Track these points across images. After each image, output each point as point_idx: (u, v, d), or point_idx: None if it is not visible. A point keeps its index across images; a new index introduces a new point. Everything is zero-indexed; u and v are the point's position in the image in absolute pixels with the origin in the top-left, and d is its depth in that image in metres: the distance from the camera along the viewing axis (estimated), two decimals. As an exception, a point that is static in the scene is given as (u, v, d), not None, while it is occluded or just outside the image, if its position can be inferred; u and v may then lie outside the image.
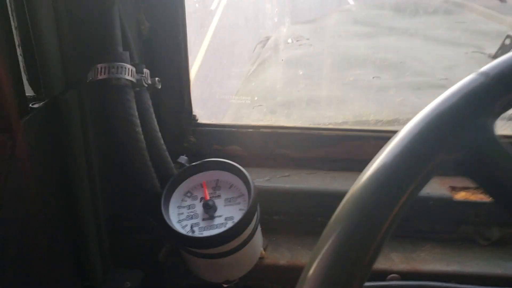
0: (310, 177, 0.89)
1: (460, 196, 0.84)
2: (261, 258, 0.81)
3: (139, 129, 0.66)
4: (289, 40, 2.39)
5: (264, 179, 0.88)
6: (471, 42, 2.49)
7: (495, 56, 2.15)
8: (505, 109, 0.39)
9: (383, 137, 0.88)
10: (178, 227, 0.68)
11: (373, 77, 1.78)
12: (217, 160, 0.73)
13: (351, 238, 0.35)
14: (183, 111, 0.87)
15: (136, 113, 0.66)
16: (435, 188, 0.85)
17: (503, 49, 2.02)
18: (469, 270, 0.79)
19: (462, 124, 0.37)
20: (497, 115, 0.39)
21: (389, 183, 0.37)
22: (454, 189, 0.86)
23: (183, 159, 0.76)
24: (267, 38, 2.83)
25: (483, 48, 2.29)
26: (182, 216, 0.70)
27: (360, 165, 0.93)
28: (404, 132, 0.39)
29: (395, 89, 1.65)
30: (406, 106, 1.48)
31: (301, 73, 1.91)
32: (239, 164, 0.72)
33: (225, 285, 0.75)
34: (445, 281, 0.76)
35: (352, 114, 1.42)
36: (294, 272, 0.81)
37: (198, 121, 0.90)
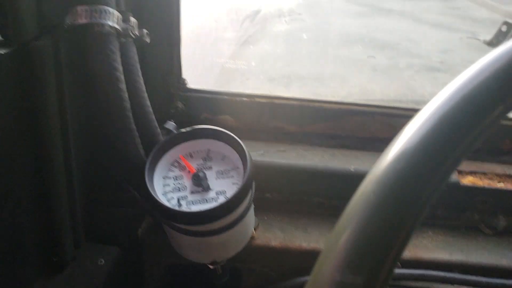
0: (307, 153, 0.82)
1: (468, 180, 0.79)
2: (252, 238, 0.74)
3: (124, 86, 0.58)
4: (280, 15, 2.31)
5: (257, 153, 0.80)
6: (464, 28, 2.45)
7: (490, 43, 2.11)
8: None
9: (390, 113, 0.81)
10: (163, 199, 0.60)
11: (368, 56, 1.71)
12: (209, 127, 0.65)
13: (379, 221, 0.30)
14: (172, 73, 0.79)
15: (121, 68, 0.57)
16: (442, 171, 0.79)
17: (499, 36, 1.98)
18: (473, 260, 0.74)
19: None
20: None
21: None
22: (461, 173, 0.80)
23: (171, 125, 0.68)
24: (257, 12, 2.74)
25: (477, 34, 2.25)
26: (168, 188, 0.62)
27: (362, 144, 0.87)
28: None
29: (392, 70, 1.59)
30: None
31: (282, 49, 1.83)
32: None
33: (211, 266, 0.68)
34: (448, 271, 0.71)
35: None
36: (286, 255, 0.75)
37: (188, 86, 0.82)
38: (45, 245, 0.67)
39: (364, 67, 1.65)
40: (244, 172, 0.61)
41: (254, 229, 0.75)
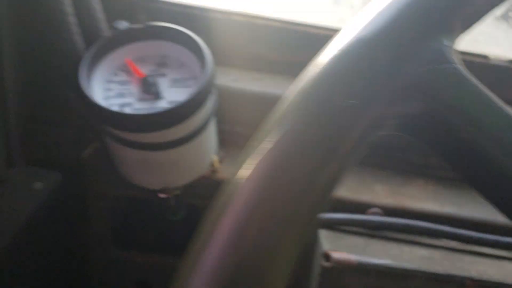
0: (287, 83, 0.71)
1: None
2: (214, 171, 0.64)
3: None
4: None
5: (229, 79, 0.70)
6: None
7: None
8: (470, 22, 0.25)
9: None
10: (102, 104, 0.50)
11: None
12: (166, 25, 0.54)
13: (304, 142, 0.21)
14: (135, -23, 0.67)
15: None
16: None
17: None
18: (466, 214, 0.65)
19: (408, 52, 0.23)
20: (457, 33, 0.24)
21: None
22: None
23: (122, 24, 0.56)
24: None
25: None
26: (110, 93, 0.52)
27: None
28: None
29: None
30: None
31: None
32: None
33: (162, 196, 0.58)
34: (437, 224, 0.62)
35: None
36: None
37: (153, -4, 0.70)
38: None
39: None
40: (203, 73, 0.50)
41: (220, 162, 0.65)
